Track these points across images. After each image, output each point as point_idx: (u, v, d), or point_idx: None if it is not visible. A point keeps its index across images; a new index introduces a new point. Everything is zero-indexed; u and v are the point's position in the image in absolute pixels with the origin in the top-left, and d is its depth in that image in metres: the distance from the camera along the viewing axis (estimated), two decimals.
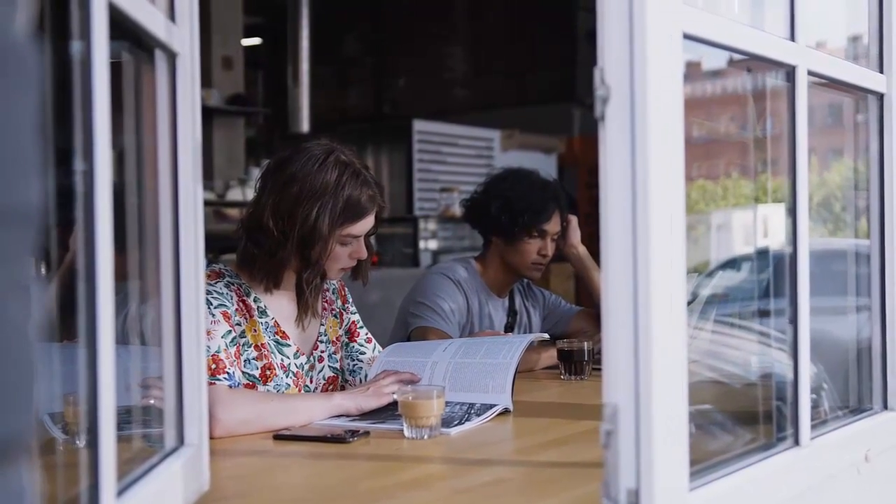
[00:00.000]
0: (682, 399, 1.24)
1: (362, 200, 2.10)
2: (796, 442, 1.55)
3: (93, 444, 0.99)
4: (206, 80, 7.00)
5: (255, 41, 9.50)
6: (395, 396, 1.96)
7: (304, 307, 2.16)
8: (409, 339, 2.87)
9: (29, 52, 0.57)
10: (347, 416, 2.00)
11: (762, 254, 1.94)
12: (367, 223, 2.14)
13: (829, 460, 1.65)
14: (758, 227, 1.98)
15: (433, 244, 7.08)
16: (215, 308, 2.03)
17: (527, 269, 2.99)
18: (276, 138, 8.71)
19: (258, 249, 2.10)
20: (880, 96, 1.85)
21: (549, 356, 2.76)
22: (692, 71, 1.55)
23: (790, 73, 1.54)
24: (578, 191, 8.01)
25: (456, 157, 8.11)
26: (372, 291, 5.00)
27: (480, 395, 2.11)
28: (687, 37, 1.26)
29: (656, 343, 1.17)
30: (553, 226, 2.97)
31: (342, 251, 2.13)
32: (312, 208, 2.05)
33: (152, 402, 1.43)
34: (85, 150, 0.99)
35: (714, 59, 1.54)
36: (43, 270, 1.33)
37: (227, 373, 1.97)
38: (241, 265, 2.16)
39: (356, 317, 2.40)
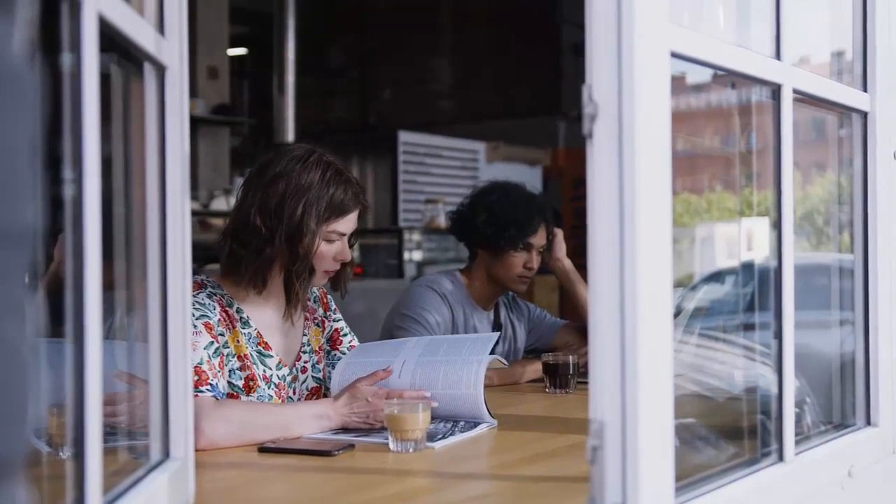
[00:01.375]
0: (669, 415, 1.24)
1: (347, 197, 2.13)
2: (780, 457, 1.55)
3: (79, 456, 0.99)
4: (192, 90, 6.93)
5: (241, 51, 9.49)
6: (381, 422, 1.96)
7: (294, 301, 2.16)
8: None
9: (26, 74, 0.57)
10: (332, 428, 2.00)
11: (746, 267, 1.95)
12: (352, 220, 2.16)
13: (813, 476, 1.66)
14: (742, 240, 1.99)
15: (418, 255, 7.07)
16: (197, 319, 2.02)
17: (512, 282, 3.00)
18: (260, 148, 8.69)
19: (245, 250, 2.10)
20: (864, 114, 1.87)
21: (535, 370, 2.76)
22: (676, 85, 1.56)
23: (776, 91, 1.56)
24: (563, 203, 8.02)
25: (441, 168, 8.12)
26: (356, 303, 4.99)
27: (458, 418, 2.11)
28: (674, 55, 1.27)
29: (643, 359, 1.18)
30: (539, 239, 2.98)
31: (328, 249, 2.14)
32: (299, 203, 2.08)
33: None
34: (74, 162, 0.99)
35: (698, 74, 1.55)
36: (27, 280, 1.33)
37: (210, 384, 1.96)
38: (225, 273, 2.16)
39: (340, 324, 2.39)
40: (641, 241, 1.18)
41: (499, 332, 2.48)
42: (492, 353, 2.19)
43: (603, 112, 1.19)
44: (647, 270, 1.19)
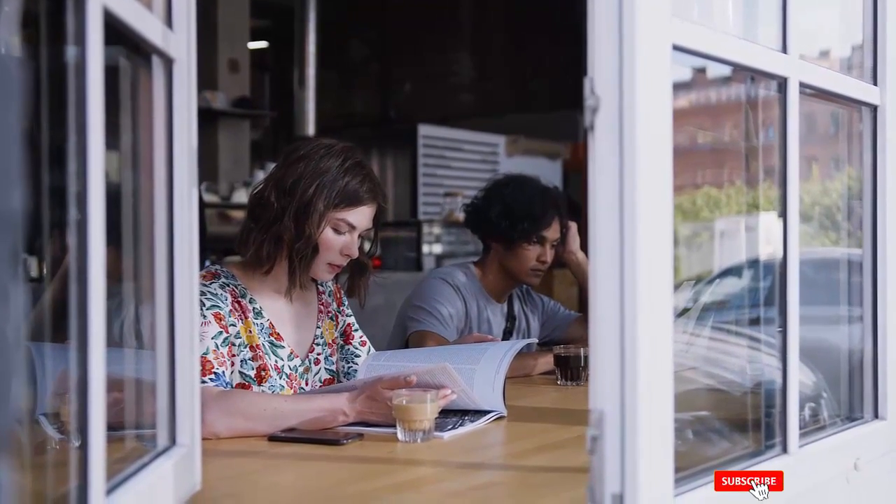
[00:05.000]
0: (668, 406, 1.25)
1: (362, 189, 2.16)
2: (784, 450, 1.56)
3: (82, 442, 1.01)
4: (213, 83, 7.01)
5: (262, 44, 9.53)
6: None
7: (293, 279, 2.18)
8: (407, 343, 2.88)
9: (11, 66, 0.59)
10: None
11: (761, 262, 1.95)
12: (363, 214, 2.18)
13: (818, 468, 1.66)
14: (760, 234, 1.99)
15: (437, 248, 7.09)
16: (207, 309, 2.05)
17: (526, 276, 3.01)
18: (281, 141, 8.73)
19: (255, 224, 2.14)
20: (874, 108, 1.86)
21: (546, 361, 2.77)
22: (697, 78, 1.56)
23: (782, 84, 1.56)
24: (583, 196, 7.99)
25: (461, 161, 8.13)
26: (374, 294, 4.98)
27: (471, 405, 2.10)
28: (677, 48, 1.27)
29: (642, 350, 1.19)
30: (552, 232, 2.99)
31: (334, 239, 2.15)
32: (312, 184, 2.12)
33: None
34: (79, 154, 1.01)
35: (719, 67, 1.55)
36: (45, 271, 1.36)
37: (215, 373, 1.99)
38: (238, 251, 2.20)
39: (351, 319, 2.42)
40: (641, 232, 1.19)
41: (531, 340, 2.49)
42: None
43: (604, 105, 1.20)
44: (646, 262, 1.19)
